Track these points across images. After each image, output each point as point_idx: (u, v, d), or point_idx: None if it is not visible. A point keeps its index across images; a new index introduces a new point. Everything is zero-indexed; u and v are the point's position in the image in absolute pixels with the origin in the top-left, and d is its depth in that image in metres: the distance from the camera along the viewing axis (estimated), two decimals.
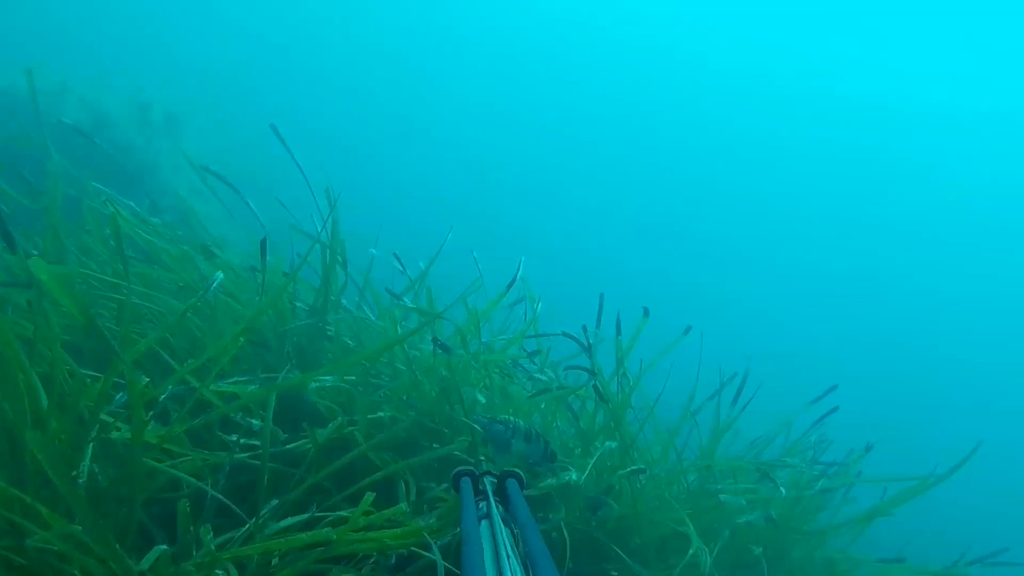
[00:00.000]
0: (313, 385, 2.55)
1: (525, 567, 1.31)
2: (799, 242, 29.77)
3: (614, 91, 33.59)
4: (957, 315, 27.41)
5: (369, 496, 1.85)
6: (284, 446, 2.42)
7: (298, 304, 3.02)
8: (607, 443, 2.80)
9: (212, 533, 1.90)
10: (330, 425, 2.46)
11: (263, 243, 2.41)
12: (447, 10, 32.25)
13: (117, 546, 1.59)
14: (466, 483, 1.90)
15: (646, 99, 33.64)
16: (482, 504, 1.75)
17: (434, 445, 2.78)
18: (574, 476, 2.60)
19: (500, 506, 1.73)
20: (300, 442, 2.45)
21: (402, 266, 3.18)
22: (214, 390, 2.17)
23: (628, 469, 2.70)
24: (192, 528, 1.93)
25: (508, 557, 1.35)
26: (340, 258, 2.92)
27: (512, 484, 1.89)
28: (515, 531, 1.54)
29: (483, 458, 2.65)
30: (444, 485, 2.63)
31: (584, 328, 3.00)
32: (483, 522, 1.58)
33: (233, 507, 2.04)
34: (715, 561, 2.61)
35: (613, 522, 2.76)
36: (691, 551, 2.57)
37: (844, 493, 3.47)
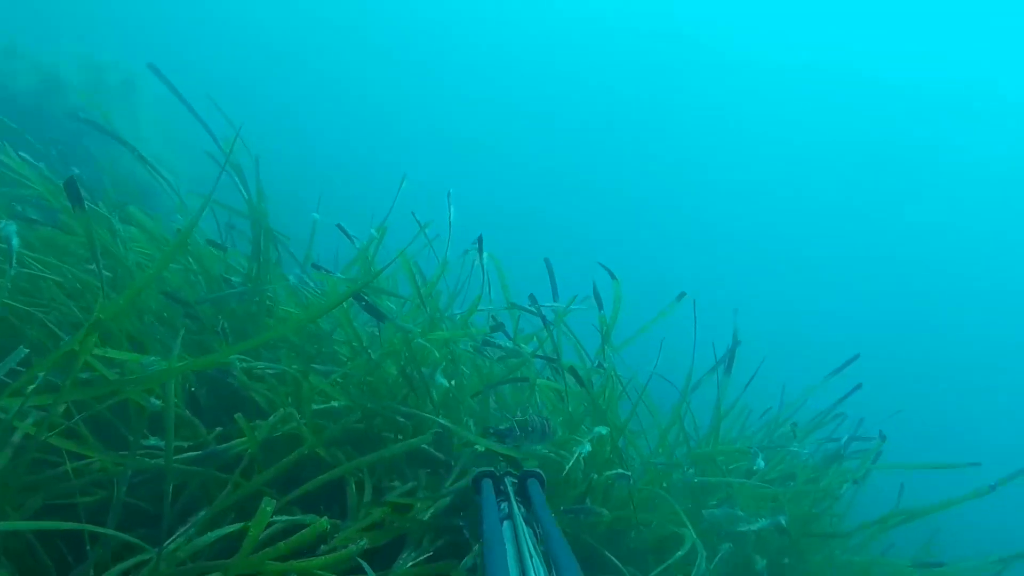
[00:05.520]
0: (240, 364, 2.14)
1: (548, 566, 1.31)
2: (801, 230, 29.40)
3: (597, 64, 32.73)
4: (969, 304, 27.15)
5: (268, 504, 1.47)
6: (217, 446, 2.03)
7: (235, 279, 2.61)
8: (596, 428, 2.44)
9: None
10: (271, 417, 2.07)
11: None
12: None
13: None
14: (487, 484, 1.85)
15: (636, 73, 32.79)
16: (503, 505, 1.72)
17: (398, 437, 2.40)
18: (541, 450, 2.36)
19: (521, 506, 1.71)
20: (236, 441, 2.05)
21: (347, 235, 2.76)
22: (100, 355, 1.77)
23: (615, 471, 2.35)
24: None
25: (531, 557, 1.35)
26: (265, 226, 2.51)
27: (533, 484, 1.85)
28: (537, 531, 1.53)
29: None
30: (410, 484, 2.28)
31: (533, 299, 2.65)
32: (505, 523, 1.57)
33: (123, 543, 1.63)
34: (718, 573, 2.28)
35: (604, 526, 2.40)
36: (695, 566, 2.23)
37: (863, 480, 3.14)
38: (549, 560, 1.33)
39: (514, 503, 1.69)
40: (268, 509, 1.46)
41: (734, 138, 31.61)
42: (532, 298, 2.78)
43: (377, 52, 29.17)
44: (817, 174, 30.66)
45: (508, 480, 1.90)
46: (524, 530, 1.48)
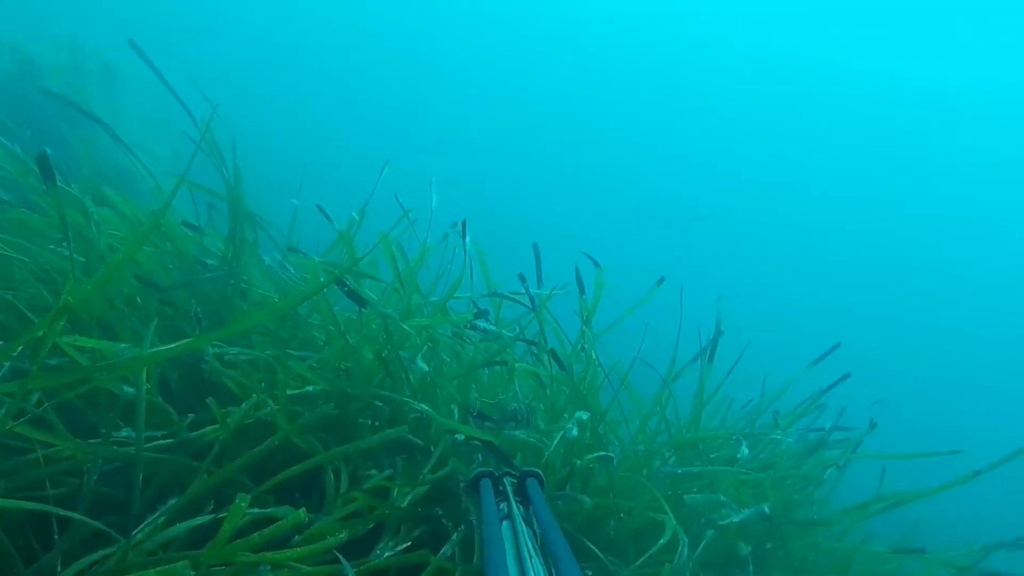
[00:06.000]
0: (212, 351, 2.10)
1: (547, 566, 1.30)
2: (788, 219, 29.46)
3: (588, 57, 32.55)
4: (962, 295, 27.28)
5: (243, 500, 1.43)
6: (189, 433, 1.98)
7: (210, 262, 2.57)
8: (577, 413, 2.42)
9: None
10: (244, 404, 2.03)
11: None
12: None
13: None
14: (486, 484, 1.83)
15: (626, 65, 32.64)
16: (502, 504, 1.71)
17: (375, 423, 2.37)
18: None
19: (521, 506, 1.71)
20: (208, 428, 2.01)
21: (327, 216, 2.72)
22: (71, 343, 1.72)
23: (596, 455, 2.33)
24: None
25: (530, 557, 1.35)
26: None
27: (532, 484, 1.83)
28: (536, 531, 1.53)
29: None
30: (387, 472, 2.25)
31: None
32: (504, 522, 1.56)
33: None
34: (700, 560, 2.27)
35: (584, 514, 2.39)
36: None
37: (844, 467, 3.15)
38: (548, 560, 1.32)
39: (513, 503, 1.69)
40: (243, 504, 1.42)
41: (722, 128, 31.69)
42: (521, 277, 2.77)
43: (367, 40, 28.95)
44: (805, 165, 30.82)
45: (507, 480, 1.89)
46: (523, 530, 1.49)
